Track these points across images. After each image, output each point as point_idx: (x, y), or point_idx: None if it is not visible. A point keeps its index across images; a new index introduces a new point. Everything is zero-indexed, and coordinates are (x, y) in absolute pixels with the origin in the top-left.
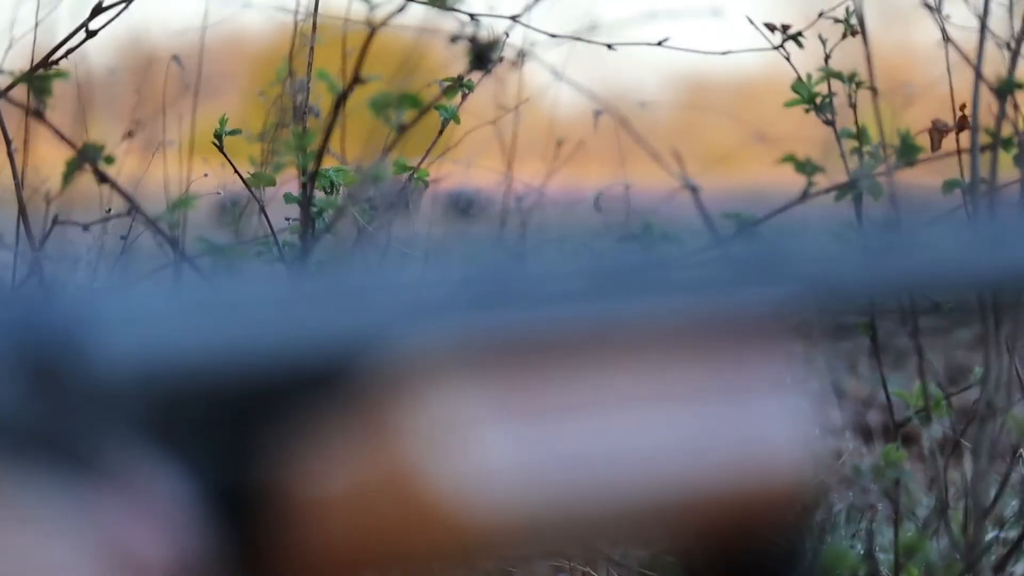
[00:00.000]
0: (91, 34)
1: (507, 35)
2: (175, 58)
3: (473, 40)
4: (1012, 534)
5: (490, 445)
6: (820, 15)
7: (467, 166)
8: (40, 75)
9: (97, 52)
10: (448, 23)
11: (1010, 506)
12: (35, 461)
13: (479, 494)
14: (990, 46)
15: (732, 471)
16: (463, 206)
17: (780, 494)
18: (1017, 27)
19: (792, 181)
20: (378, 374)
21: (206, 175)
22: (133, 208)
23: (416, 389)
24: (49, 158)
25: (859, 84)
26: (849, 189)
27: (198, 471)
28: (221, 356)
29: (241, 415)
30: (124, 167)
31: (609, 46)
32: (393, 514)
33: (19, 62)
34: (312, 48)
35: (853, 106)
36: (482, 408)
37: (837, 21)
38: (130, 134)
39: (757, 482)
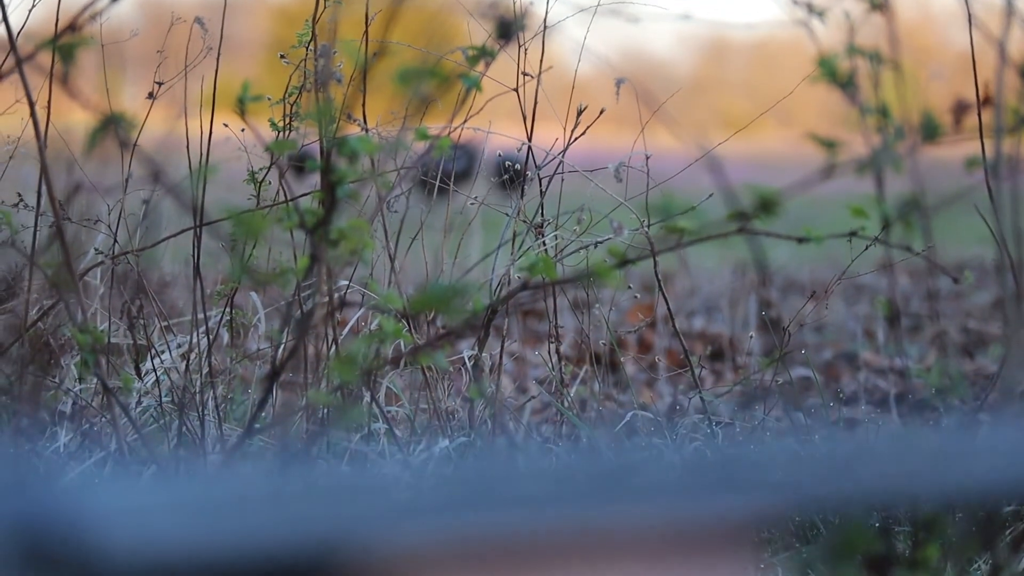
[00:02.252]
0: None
1: (532, 3)
2: (198, 20)
3: (499, 9)
4: None
5: None
6: None
7: (488, 132)
8: (65, 42)
9: (120, 12)
10: None
11: None
12: None
13: None
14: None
15: None
16: (498, 168)
17: None
18: None
19: (807, 150)
20: (360, 572)
21: (227, 139)
22: (156, 174)
23: None
24: (72, 119)
25: (882, 61)
26: (870, 164)
27: None
28: (210, 550)
29: None
30: (146, 128)
31: (633, 19)
32: None
33: (43, 24)
34: (335, 14)
35: (876, 84)
36: None
37: None
38: (151, 95)
39: None
